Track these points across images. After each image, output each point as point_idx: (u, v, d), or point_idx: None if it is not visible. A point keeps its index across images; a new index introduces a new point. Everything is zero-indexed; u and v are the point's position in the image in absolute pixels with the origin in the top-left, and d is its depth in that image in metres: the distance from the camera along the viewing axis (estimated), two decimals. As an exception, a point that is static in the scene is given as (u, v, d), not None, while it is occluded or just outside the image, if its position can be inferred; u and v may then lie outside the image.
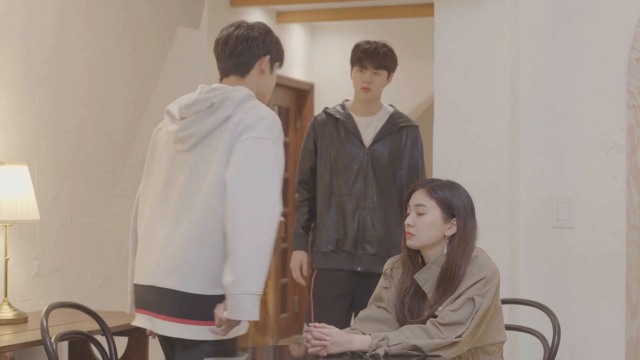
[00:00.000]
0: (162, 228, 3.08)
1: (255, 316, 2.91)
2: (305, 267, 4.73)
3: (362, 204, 4.56)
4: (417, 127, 4.67)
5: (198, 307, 2.98)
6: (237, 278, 2.88)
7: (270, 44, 3.22)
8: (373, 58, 4.58)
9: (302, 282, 4.79)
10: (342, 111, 4.69)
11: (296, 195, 4.82)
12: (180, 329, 3.00)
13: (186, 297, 2.98)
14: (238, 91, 3.10)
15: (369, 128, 4.63)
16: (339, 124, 4.63)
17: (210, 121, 3.06)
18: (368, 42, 4.66)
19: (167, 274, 3.01)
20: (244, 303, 2.89)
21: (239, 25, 3.25)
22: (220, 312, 2.95)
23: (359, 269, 4.56)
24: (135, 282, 3.15)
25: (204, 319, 2.98)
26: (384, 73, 4.63)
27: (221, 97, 3.07)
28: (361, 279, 4.58)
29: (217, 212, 2.98)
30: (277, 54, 3.25)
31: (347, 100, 4.76)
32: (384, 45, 4.65)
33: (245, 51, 3.19)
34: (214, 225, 2.98)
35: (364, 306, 4.45)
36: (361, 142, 4.60)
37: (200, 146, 3.08)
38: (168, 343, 3.11)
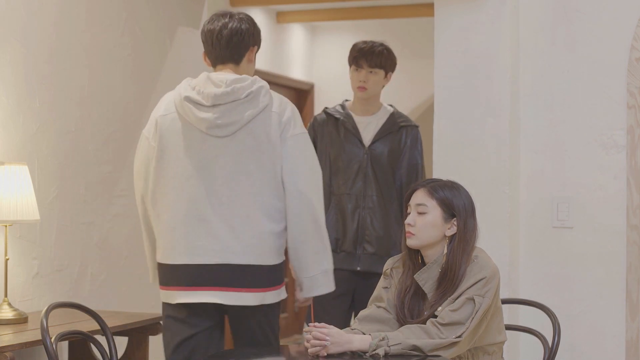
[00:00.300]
0: (216, 212, 3.44)
1: (332, 287, 3.65)
2: None
3: (361, 204, 4.57)
4: (417, 127, 4.68)
5: (275, 274, 3.50)
6: (312, 263, 3.54)
7: (257, 34, 3.61)
8: (368, 57, 4.60)
9: None
10: (341, 111, 4.70)
11: None
12: (268, 296, 3.49)
13: (266, 269, 3.46)
14: (260, 80, 3.50)
15: (368, 128, 4.64)
16: (338, 124, 4.65)
17: (250, 110, 3.43)
18: (365, 42, 4.68)
19: (244, 253, 3.43)
20: (319, 280, 3.57)
21: (230, 17, 3.59)
22: (298, 294, 3.62)
23: (358, 268, 4.56)
24: (187, 262, 3.46)
25: (279, 283, 3.53)
26: (380, 72, 4.64)
27: (257, 86, 3.46)
28: (361, 279, 4.59)
29: (276, 192, 3.47)
30: (260, 43, 3.66)
31: (347, 100, 4.78)
32: (380, 45, 4.66)
33: (240, 42, 3.56)
34: (272, 207, 3.46)
35: (363, 306, 4.43)
36: (361, 141, 4.61)
37: (241, 133, 3.43)
38: (221, 313, 3.54)
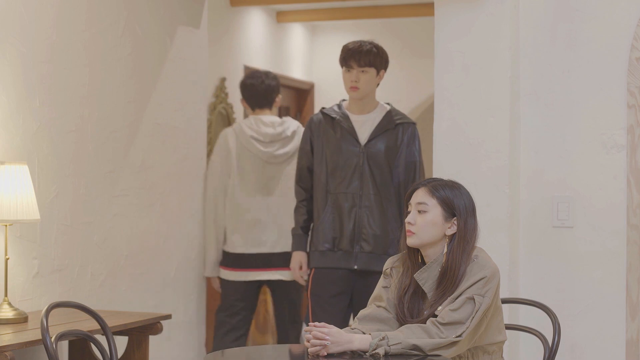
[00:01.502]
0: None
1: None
2: (304, 267, 4.78)
3: (358, 202, 4.59)
4: (414, 124, 4.70)
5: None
6: None
7: (279, 86, 5.51)
8: (357, 56, 4.60)
9: (303, 282, 4.85)
10: (338, 110, 4.71)
11: (295, 195, 4.88)
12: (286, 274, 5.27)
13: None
14: (292, 120, 5.55)
15: (364, 126, 4.65)
16: (335, 124, 4.66)
17: (292, 144, 5.41)
18: (354, 42, 4.68)
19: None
20: None
21: (266, 75, 5.52)
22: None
23: (355, 267, 4.59)
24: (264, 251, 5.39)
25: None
26: (371, 70, 4.63)
27: (295, 125, 5.48)
28: (358, 277, 4.61)
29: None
30: (280, 91, 5.55)
31: (344, 100, 4.79)
32: (369, 43, 4.66)
33: (272, 93, 5.50)
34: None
35: (362, 304, 4.45)
36: (357, 140, 4.63)
37: (288, 160, 5.40)
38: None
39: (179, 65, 5.31)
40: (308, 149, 4.76)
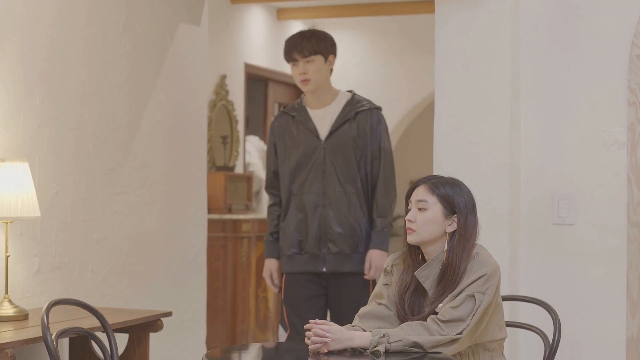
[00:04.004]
0: None
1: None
2: (275, 275, 4.58)
3: (321, 202, 4.40)
4: (377, 109, 4.49)
5: None
6: None
7: None
8: (298, 47, 4.42)
9: (276, 290, 4.64)
10: (297, 107, 4.53)
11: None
12: None
13: None
14: None
15: (324, 120, 4.46)
16: (295, 121, 4.49)
17: None
18: (293, 34, 4.50)
19: None
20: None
21: None
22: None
23: (324, 269, 4.42)
24: None
25: None
26: (318, 58, 4.45)
27: None
28: (331, 279, 4.45)
29: None
30: None
31: (304, 94, 4.60)
32: (309, 31, 4.48)
33: None
34: None
35: (339, 306, 4.38)
36: (317, 136, 4.44)
37: None
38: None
39: (179, 62, 5.31)
40: (272, 151, 4.57)
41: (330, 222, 4.39)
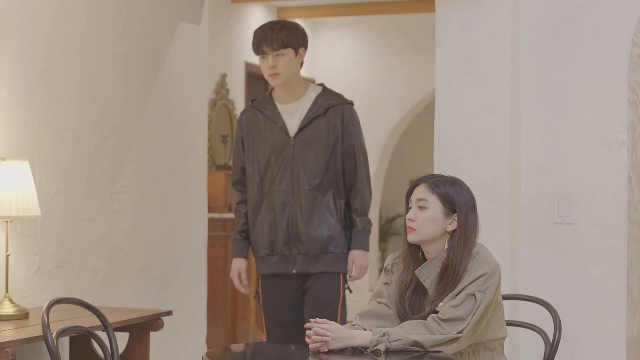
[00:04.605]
0: None
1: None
2: (243, 275, 4.39)
3: (290, 201, 4.22)
4: (348, 104, 4.29)
5: None
6: None
7: None
8: (269, 40, 4.18)
9: (244, 290, 4.44)
10: (266, 102, 4.31)
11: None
12: None
13: None
14: None
15: (293, 116, 4.26)
16: (263, 116, 4.28)
17: None
18: (263, 25, 4.26)
19: None
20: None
21: None
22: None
23: (293, 271, 4.24)
24: None
25: None
26: (289, 51, 4.22)
27: None
28: (303, 281, 4.28)
29: None
30: None
31: (273, 88, 4.37)
32: (279, 23, 4.23)
33: None
34: None
35: (312, 307, 4.21)
36: (286, 132, 4.24)
37: None
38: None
39: (179, 61, 5.30)
40: (240, 147, 4.36)
41: (299, 222, 4.21)
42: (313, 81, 6.93)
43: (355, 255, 4.29)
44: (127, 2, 4.85)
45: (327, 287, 4.26)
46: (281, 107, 4.29)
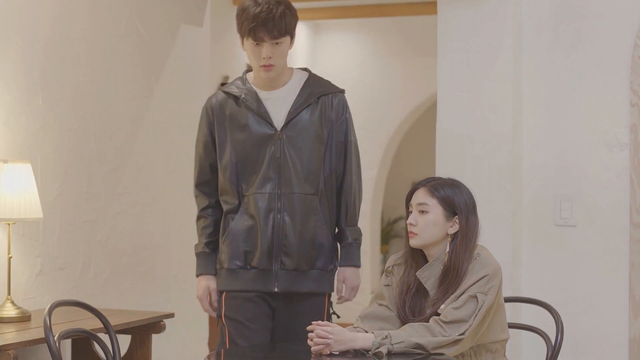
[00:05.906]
0: None
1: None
2: (214, 296, 3.67)
3: (276, 205, 3.54)
4: (341, 92, 3.68)
5: None
6: None
7: None
8: (269, 25, 3.45)
9: (213, 314, 3.71)
10: (242, 87, 3.61)
11: (196, 202, 3.74)
12: None
13: None
14: None
15: (278, 104, 3.58)
16: (239, 104, 3.58)
17: None
18: (256, 3, 3.48)
19: None
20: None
21: None
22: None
23: (276, 289, 3.56)
24: None
25: None
26: (286, 39, 3.53)
27: None
28: (282, 299, 3.60)
29: None
30: None
31: (248, 71, 3.68)
32: (277, 3, 3.49)
33: None
34: None
35: (283, 331, 3.62)
36: (271, 124, 3.56)
37: None
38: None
39: (181, 63, 5.31)
40: (209, 140, 3.64)
41: (287, 230, 3.53)
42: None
43: (346, 273, 3.68)
44: (130, 4, 4.86)
45: (309, 308, 3.62)
46: (262, 94, 3.59)
